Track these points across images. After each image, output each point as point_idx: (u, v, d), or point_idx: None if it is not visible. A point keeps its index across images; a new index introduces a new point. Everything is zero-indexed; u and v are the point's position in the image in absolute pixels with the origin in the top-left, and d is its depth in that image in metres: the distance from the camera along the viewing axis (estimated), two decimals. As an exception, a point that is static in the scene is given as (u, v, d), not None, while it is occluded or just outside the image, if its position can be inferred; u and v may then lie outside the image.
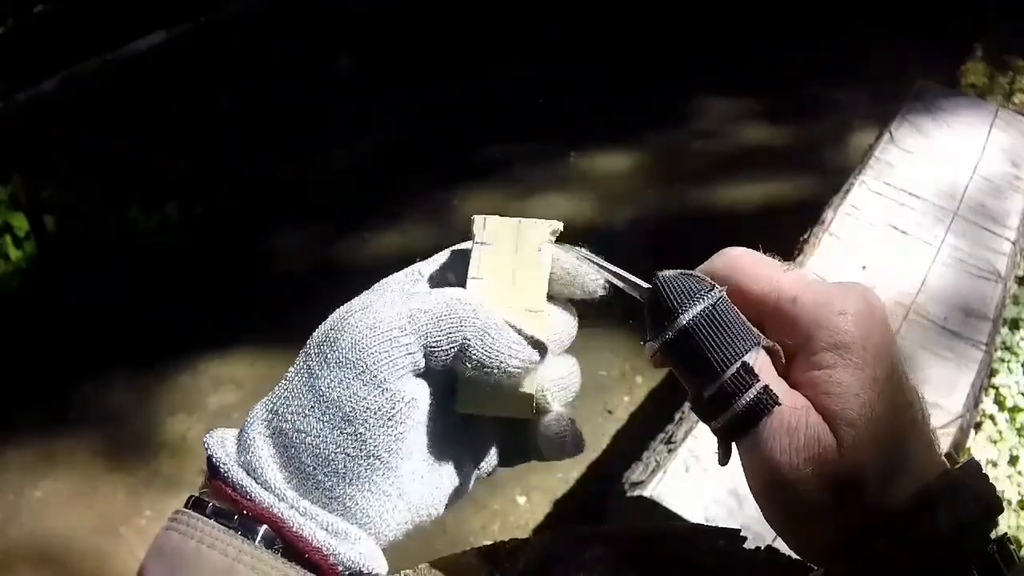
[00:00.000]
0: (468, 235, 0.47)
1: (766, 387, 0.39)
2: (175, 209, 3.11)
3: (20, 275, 2.92)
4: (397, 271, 0.49)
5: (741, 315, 0.41)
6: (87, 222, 3.11)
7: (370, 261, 2.88)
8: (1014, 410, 2.11)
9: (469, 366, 0.43)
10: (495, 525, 2.11)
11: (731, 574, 0.50)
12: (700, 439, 1.49)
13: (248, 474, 0.43)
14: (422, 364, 0.43)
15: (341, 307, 0.45)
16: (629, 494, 1.42)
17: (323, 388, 0.43)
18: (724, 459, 0.41)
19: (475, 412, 0.46)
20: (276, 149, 3.41)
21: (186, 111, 3.56)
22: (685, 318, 0.40)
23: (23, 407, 2.43)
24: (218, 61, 3.77)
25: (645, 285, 0.42)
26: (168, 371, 2.52)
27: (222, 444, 0.45)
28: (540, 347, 0.45)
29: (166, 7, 3.77)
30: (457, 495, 0.48)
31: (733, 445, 0.40)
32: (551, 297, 0.47)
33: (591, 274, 0.46)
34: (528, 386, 0.45)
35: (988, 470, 1.98)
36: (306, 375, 0.43)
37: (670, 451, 1.48)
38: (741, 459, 0.40)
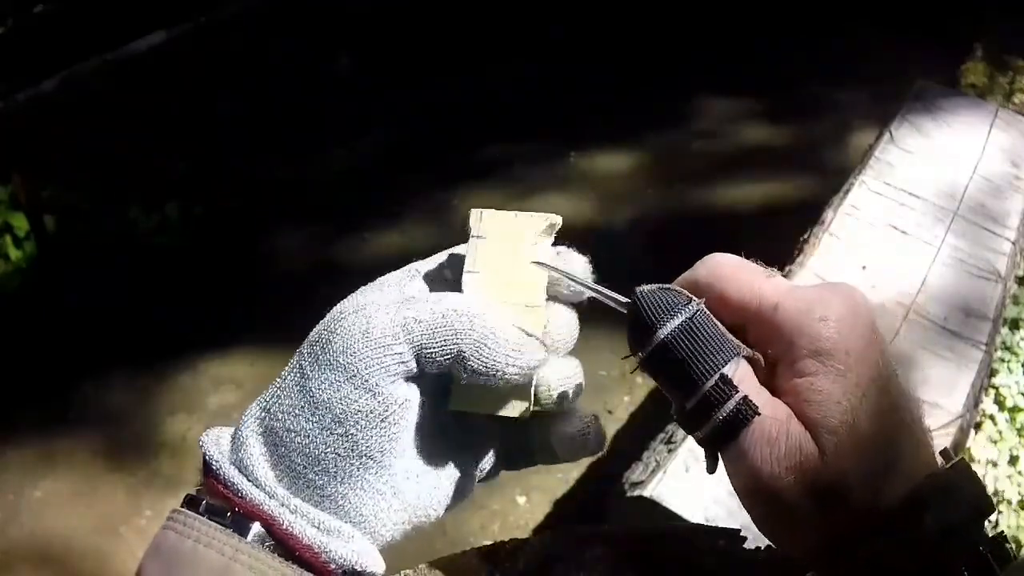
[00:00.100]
0: (466, 235, 0.46)
1: (745, 398, 0.39)
2: (175, 209, 3.11)
3: (20, 275, 2.92)
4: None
5: (720, 326, 0.41)
6: (87, 222, 3.11)
7: (370, 261, 2.87)
8: (1014, 410, 2.11)
9: (465, 375, 0.43)
10: (495, 525, 2.11)
11: (731, 574, 0.50)
12: (700, 439, 1.48)
13: (240, 472, 0.43)
14: (415, 369, 0.43)
15: (336, 306, 0.45)
16: (629, 494, 1.42)
17: (313, 389, 0.42)
18: (711, 468, 0.41)
19: (468, 410, 0.46)
20: (276, 149, 3.41)
21: (186, 111, 3.56)
22: (663, 332, 0.40)
23: (23, 407, 2.43)
24: (218, 61, 3.77)
25: (625, 300, 0.42)
26: (168, 371, 2.52)
27: (217, 442, 0.45)
28: (539, 347, 0.44)
29: (166, 7, 3.77)
30: (458, 497, 0.48)
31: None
32: (552, 298, 0.47)
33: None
34: (522, 388, 0.45)
35: (988, 470, 1.98)
36: (298, 375, 0.43)
37: (670, 451, 1.48)
38: (725, 468, 0.40)
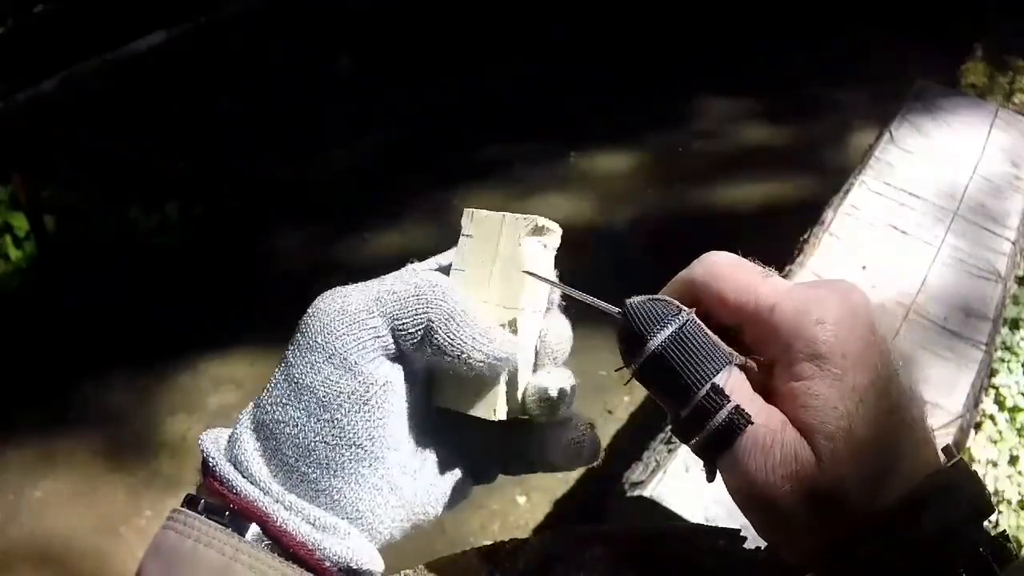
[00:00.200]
0: (458, 231, 0.47)
1: (737, 407, 0.39)
2: (175, 209, 3.11)
3: (20, 275, 2.92)
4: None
5: (711, 335, 0.41)
6: (87, 222, 3.11)
7: (370, 261, 2.87)
8: (1014, 410, 2.11)
9: (430, 351, 0.42)
10: (495, 525, 2.11)
11: (731, 574, 0.50)
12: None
13: (235, 468, 0.43)
14: (393, 347, 0.43)
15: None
16: (629, 494, 1.42)
17: (297, 375, 0.42)
18: (710, 476, 0.41)
19: (445, 406, 0.46)
20: (276, 149, 3.41)
21: (186, 111, 3.57)
22: (653, 344, 0.40)
23: (23, 407, 2.43)
24: (218, 61, 3.77)
25: (616, 311, 0.42)
26: (168, 371, 2.52)
27: (215, 441, 0.45)
28: (510, 342, 0.44)
29: (166, 7, 3.78)
30: (457, 497, 0.48)
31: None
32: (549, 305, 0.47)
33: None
34: (496, 390, 0.45)
35: (988, 470, 1.98)
36: (283, 365, 0.43)
37: (670, 451, 1.48)
38: (722, 477, 0.40)
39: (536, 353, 0.47)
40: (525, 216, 0.45)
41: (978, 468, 1.96)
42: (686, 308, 0.41)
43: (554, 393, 0.45)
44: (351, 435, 0.42)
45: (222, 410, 2.39)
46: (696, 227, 2.89)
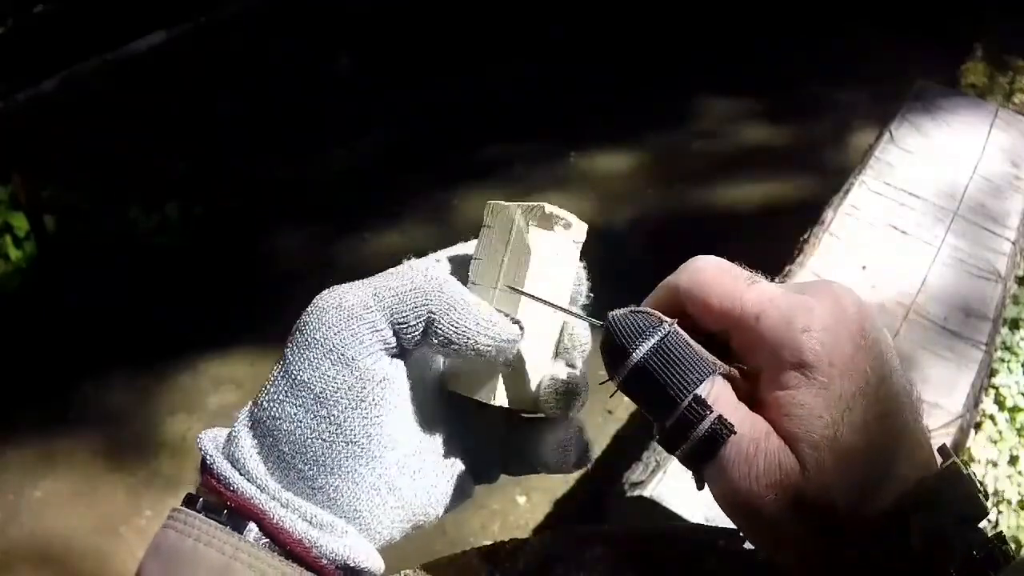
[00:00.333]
0: (466, 235, 0.48)
1: (719, 417, 0.38)
2: (175, 209, 3.11)
3: (20, 275, 2.92)
4: None
5: (693, 345, 0.40)
6: (87, 222, 3.11)
7: (370, 261, 2.86)
8: (1014, 410, 2.11)
9: (436, 342, 0.43)
10: (495, 525, 2.11)
11: (731, 574, 0.50)
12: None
13: (232, 466, 0.43)
14: (393, 342, 0.43)
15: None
16: (629, 494, 1.42)
17: (294, 371, 0.42)
18: (700, 485, 0.41)
19: (453, 390, 0.47)
20: (276, 149, 3.41)
21: (186, 111, 3.57)
22: (635, 357, 0.40)
23: (23, 407, 2.43)
24: (218, 61, 3.77)
25: (599, 324, 0.43)
26: (168, 371, 2.52)
27: (214, 440, 0.45)
28: (513, 326, 0.44)
29: (166, 7, 3.78)
30: (458, 498, 0.48)
31: None
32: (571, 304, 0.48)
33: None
34: (490, 371, 0.45)
35: (988, 470, 1.98)
36: (281, 362, 0.43)
37: (670, 451, 1.48)
38: (708, 486, 0.40)
39: (557, 347, 0.48)
40: (532, 204, 0.46)
41: (978, 468, 1.96)
42: (668, 319, 0.41)
43: (572, 386, 0.46)
44: (347, 432, 0.42)
45: (222, 410, 2.39)
46: (696, 227, 2.89)
